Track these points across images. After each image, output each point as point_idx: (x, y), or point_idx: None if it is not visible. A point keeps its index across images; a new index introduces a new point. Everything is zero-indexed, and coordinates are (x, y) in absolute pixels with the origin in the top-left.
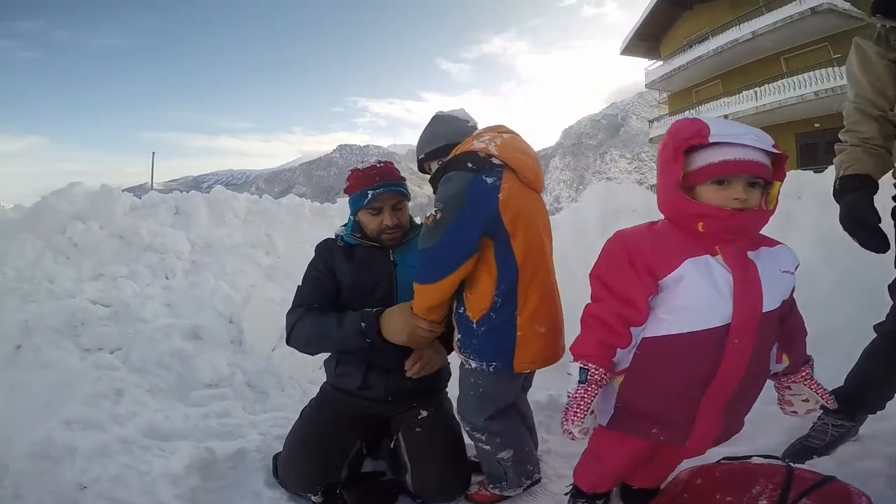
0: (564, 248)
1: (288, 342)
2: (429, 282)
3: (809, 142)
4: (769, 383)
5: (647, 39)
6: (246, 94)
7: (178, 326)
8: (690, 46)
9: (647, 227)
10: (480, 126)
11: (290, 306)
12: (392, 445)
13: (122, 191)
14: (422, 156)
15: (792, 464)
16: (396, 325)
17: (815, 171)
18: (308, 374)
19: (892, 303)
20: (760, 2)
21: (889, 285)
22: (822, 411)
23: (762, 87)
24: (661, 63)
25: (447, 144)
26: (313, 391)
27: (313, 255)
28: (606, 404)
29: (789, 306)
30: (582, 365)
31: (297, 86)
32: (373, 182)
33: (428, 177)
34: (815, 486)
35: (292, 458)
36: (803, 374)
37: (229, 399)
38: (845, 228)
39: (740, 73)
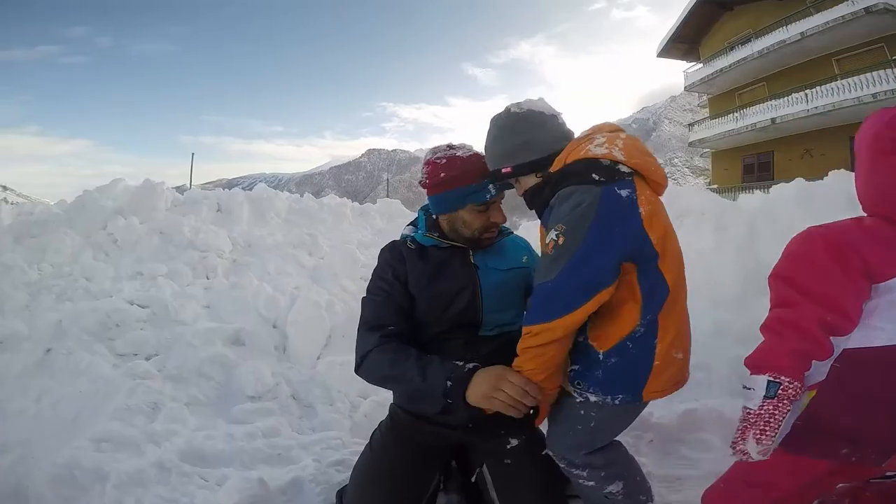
0: None
1: (357, 371)
2: (544, 321)
3: None
4: None
5: (686, 41)
6: (279, 100)
7: (220, 330)
8: (732, 48)
9: (855, 223)
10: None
11: (337, 312)
12: (473, 479)
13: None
14: (506, 169)
15: None
16: (481, 389)
17: None
18: (357, 386)
19: None
20: (808, 2)
21: None
22: None
23: (813, 90)
24: (700, 65)
25: (550, 155)
26: (363, 406)
27: (379, 260)
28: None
29: None
30: (772, 378)
31: (329, 91)
32: (483, 174)
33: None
34: None
35: (364, 497)
36: None
37: (275, 415)
38: None
39: (786, 76)
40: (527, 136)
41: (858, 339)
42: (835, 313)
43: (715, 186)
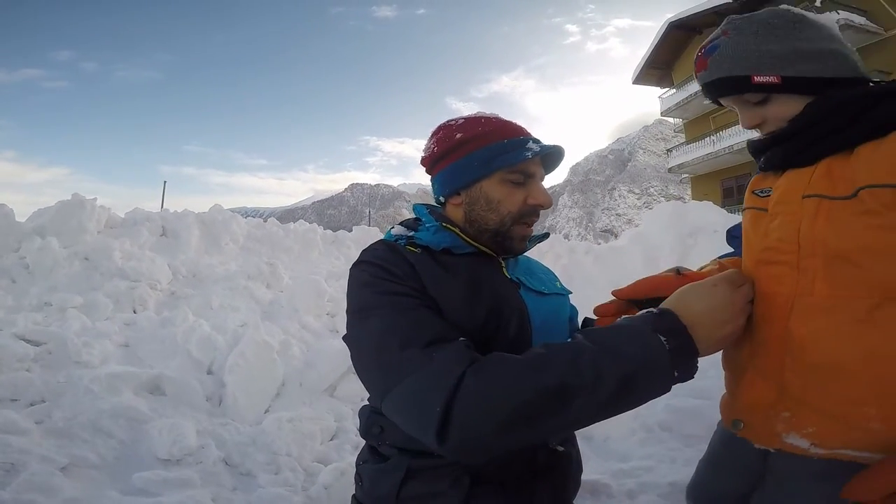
0: (634, 276)
1: (445, 433)
2: None
3: None
4: None
5: (659, 67)
6: (262, 133)
7: (132, 376)
8: None
9: None
10: None
11: (293, 356)
12: None
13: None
14: (772, 78)
15: None
16: (712, 318)
17: None
18: (315, 448)
19: None
20: None
21: None
22: None
23: None
24: (674, 90)
25: (859, 78)
26: (322, 477)
27: (362, 272)
28: None
29: None
30: None
31: (313, 124)
32: (525, 132)
33: None
34: None
35: None
36: None
37: (195, 486)
38: None
39: None
40: (824, 44)
41: None
42: None
43: None
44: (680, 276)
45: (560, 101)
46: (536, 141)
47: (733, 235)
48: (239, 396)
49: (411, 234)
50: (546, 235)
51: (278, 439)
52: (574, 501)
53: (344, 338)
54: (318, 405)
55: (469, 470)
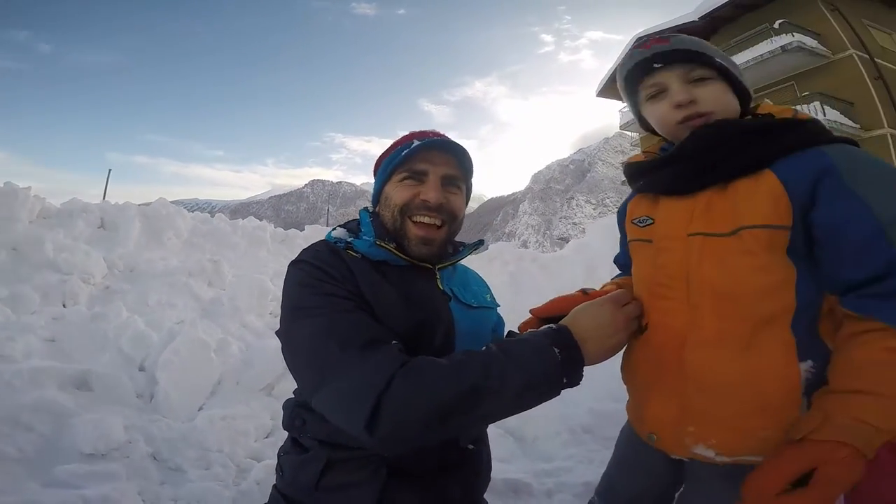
0: (574, 285)
1: (373, 426)
2: None
3: None
4: None
5: None
6: (222, 124)
7: (57, 371)
8: None
9: None
10: None
11: (232, 354)
12: None
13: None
14: (722, 63)
15: None
16: (597, 332)
17: None
18: (249, 445)
19: None
20: (732, 42)
21: None
22: None
23: None
24: None
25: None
26: (254, 473)
27: (301, 271)
28: None
29: None
30: None
31: (276, 118)
32: (424, 135)
33: None
34: None
35: None
36: None
37: (120, 479)
38: None
39: None
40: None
41: None
42: None
43: None
44: (585, 295)
45: (529, 109)
46: (428, 140)
47: (622, 264)
48: (171, 393)
49: (350, 239)
50: (480, 243)
51: (210, 436)
52: (494, 500)
53: (277, 332)
54: (254, 404)
55: (386, 462)
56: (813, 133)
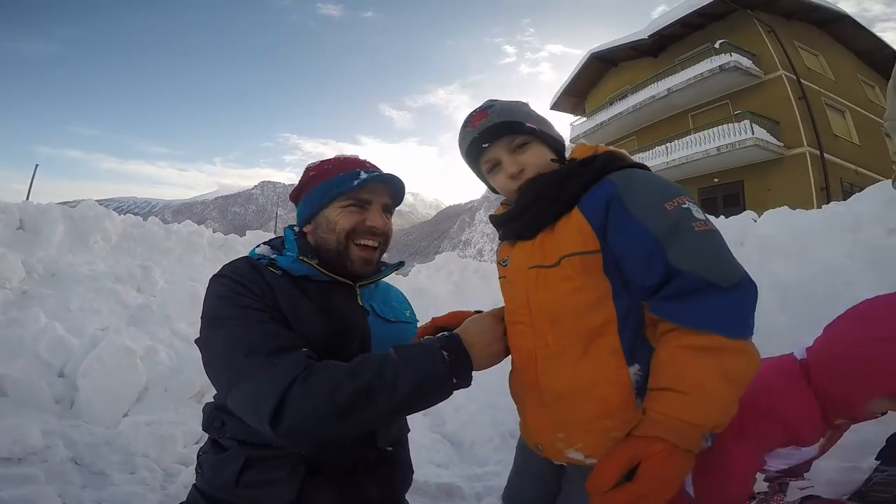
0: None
1: (276, 421)
2: (747, 334)
3: (709, 196)
4: None
5: (575, 95)
6: (167, 120)
7: None
8: (612, 103)
9: (800, 405)
10: None
11: (159, 361)
12: None
13: None
14: (531, 125)
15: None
16: (485, 335)
17: None
18: (176, 451)
19: None
20: (677, 60)
21: None
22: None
23: (672, 143)
24: (585, 119)
25: (562, 144)
26: (182, 476)
27: (221, 285)
28: None
29: None
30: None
31: (227, 115)
32: (364, 166)
33: None
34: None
35: None
36: None
37: (38, 482)
38: None
39: (653, 130)
40: (549, 121)
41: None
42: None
43: None
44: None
45: None
46: (371, 172)
47: None
48: (94, 400)
49: (274, 256)
50: (401, 264)
51: (135, 441)
52: (428, 503)
53: (196, 340)
54: (183, 410)
55: (303, 460)
56: (603, 164)
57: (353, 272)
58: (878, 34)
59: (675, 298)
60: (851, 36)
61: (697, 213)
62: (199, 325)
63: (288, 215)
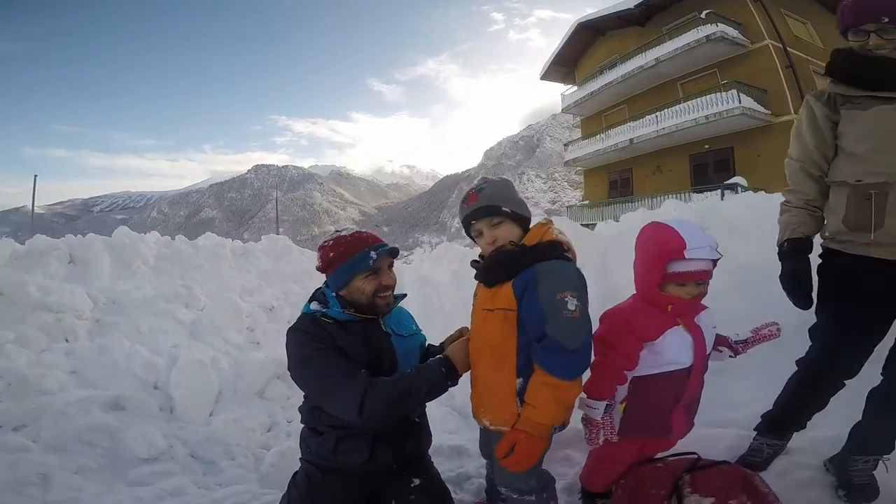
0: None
1: (361, 414)
2: (572, 378)
3: (700, 162)
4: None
5: (565, 65)
6: (151, 111)
7: (94, 398)
8: (602, 72)
9: (630, 305)
10: None
11: (223, 368)
12: None
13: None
14: (507, 209)
15: (698, 455)
16: (461, 356)
17: (706, 191)
18: (257, 438)
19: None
20: (664, 30)
21: (809, 328)
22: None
23: (662, 112)
24: (575, 88)
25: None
26: (268, 457)
27: (299, 335)
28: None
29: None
30: (608, 402)
31: (213, 102)
32: (369, 243)
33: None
34: (702, 466)
35: None
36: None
37: (177, 475)
38: (784, 287)
39: (643, 99)
40: (522, 201)
41: (640, 370)
42: (627, 360)
43: (587, 202)
44: (460, 332)
45: (480, 87)
46: (377, 248)
47: None
48: (186, 405)
49: (324, 310)
50: (403, 296)
51: (228, 435)
52: (443, 460)
53: (292, 376)
54: (252, 406)
55: (370, 433)
56: (540, 253)
57: (380, 314)
58: None
59: (543, 350)
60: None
61: (572, 304)
62: (245, 333)
63: (285, 196)
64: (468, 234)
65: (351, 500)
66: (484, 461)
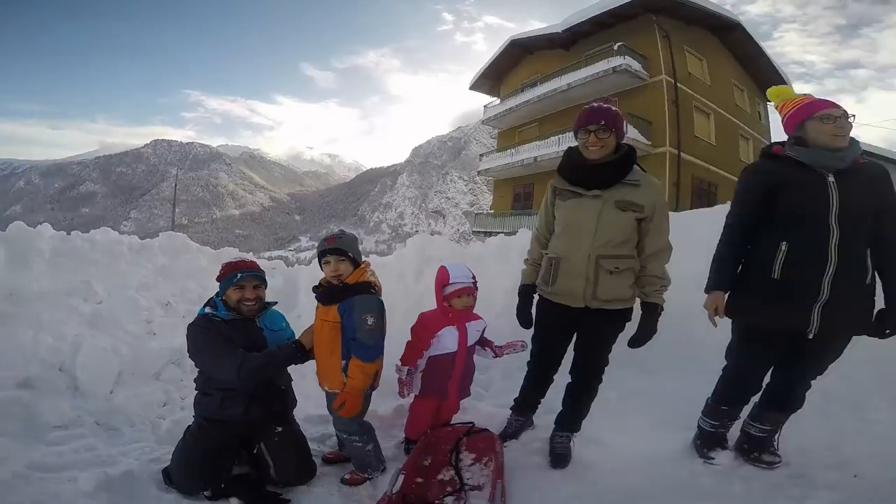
0: (389, 288)
1: (239, 376)
2: (373, 361)
3: None
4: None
5: (492, 78)
6: (34, 73)
7: (6, 377)
8: (523, 90)
9: (431, 311)
10: None
11: (123, 354)
12: (255, 452)
13: None
14: (351, 255)
15: (475, 424)
16: (307, 337)
17: None
18: (155, 411)
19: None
20: (584, 56)
21: (531, 337)
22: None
23: (565, 135)
24: (498, 101)
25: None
26: (164, 424)
27: (198, 328)
28: (418, 383)
29: (482, 338)
30: (410, 368)
31: (114, 69)
32: (241, 268)
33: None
34: (472, 432)
35: (187, 471)
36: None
37: (87, 437)
38: (517, 314)
39: (553, 120)
40: (359, 251)
41: (431, 352)
42: (424, 344)
43: (492, 211)
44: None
45: (418, 84)
46: (244, 272)
47: None
48: (91, 384)
49: (215, 312)
50: (275, 303)
51: (128, 407)
52: (306, 422)
53: (191, 357)
54: (149, 386)
55: (247, 394)
56: (355, 290)
57: (249, 316)
58: (782, 34)
59: (355, 346)
60: (739, 42)
61: (370, 321)
62: (142, 325)
63: (186, 175)
64: (320, 261)
65: (229, 442)
66: None
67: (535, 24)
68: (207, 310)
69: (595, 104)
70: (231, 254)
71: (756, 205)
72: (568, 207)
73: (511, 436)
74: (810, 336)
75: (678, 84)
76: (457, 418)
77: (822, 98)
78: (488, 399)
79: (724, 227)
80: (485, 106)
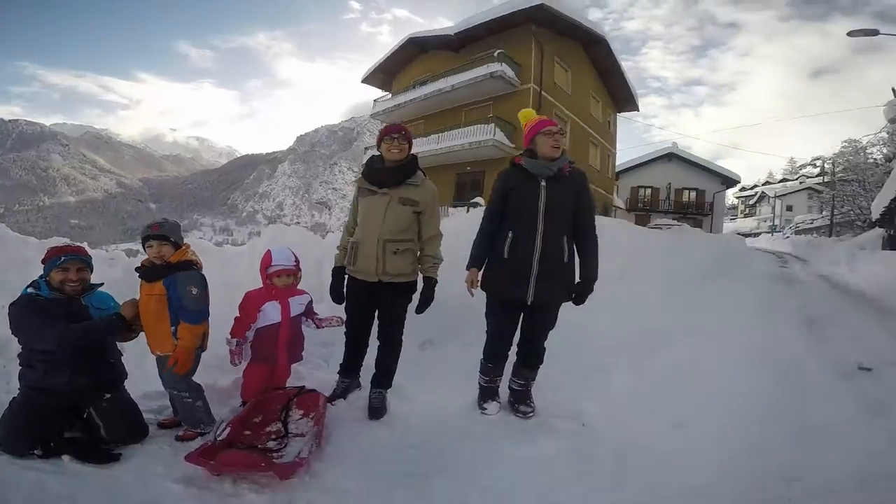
0: (241, 278)
1: (60, 344)
2: (200, 323)
3: (462, 181)
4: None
5: (386, 73)
6: None
7: None
8: (413, 87)
9: (257, 289)
10: None
11: None
12: (85, 416)
13: None
14: (172, 240)
15: (305, 386)
16: (128, 309)
17: (461, 206)
18: None
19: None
20: (469, 59)
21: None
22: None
23: (444, 134)
24: (389, 96)
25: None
26: None
27: (19, 307)
28: (249, 352)
29: (307, 310)
30: (238, 340)
31: None
32: (66, 252)
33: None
34: (301, 392)
35: (16, 433)
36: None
37: None
38: (330, 293)
39: (437, 118)
40: (181, 236)
41: (257, 324)
42: (251, 318)
43: None
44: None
45: (313, 71)
46: (68, 256)
47: None
48: None
49: (38, 292)
50: (101, 284)
51: None
52: (142, 396)
53: (14, 333)
54: None
55: (70, 364)
56: (182, 266)
57: (73, 296)
58: (647, 51)
59: (183, 311)
60: (601, 56)
61: (195, 291)
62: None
63: (6, 156)
64: (143, 245)
65: (53, 409)
66: None
67: (444, 22)
68: (30, 290)
69: (395, 123)
70: (61, 241)
71: (499, 202)
72: (365, 202)
73: (339, 395)
74: (528, 302)
75: (543, 92)
76: (295, 385)
77: (547, 118)
78: (326, 370)
79: (482, 219)
80: (375, 100)
